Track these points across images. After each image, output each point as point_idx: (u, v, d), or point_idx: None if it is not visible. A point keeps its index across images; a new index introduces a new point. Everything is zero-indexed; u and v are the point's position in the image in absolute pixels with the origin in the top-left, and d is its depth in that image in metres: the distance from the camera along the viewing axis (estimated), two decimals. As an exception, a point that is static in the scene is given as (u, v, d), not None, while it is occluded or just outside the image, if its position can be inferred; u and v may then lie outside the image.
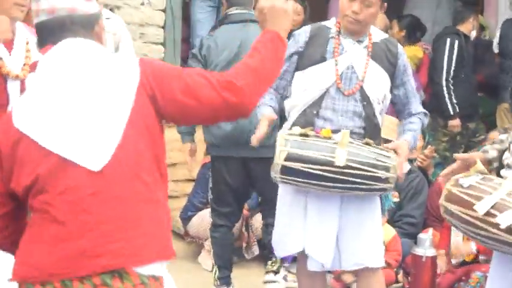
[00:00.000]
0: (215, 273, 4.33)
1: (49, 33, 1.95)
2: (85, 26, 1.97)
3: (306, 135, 3.08)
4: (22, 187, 1.89)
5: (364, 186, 3.07)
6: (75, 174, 1.84)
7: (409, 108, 3.39)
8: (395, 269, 4.56)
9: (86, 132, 1.87)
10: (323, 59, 3.22)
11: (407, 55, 6.11)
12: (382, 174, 3.05)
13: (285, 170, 3.03)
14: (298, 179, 3.05)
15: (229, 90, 1.96)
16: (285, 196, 3.31)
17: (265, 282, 4.59)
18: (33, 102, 1.91)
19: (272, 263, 4.59)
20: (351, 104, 3.20)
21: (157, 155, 1.96)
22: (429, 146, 5.35)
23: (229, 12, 4.26)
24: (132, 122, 1.88)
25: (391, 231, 4.57)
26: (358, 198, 3.21)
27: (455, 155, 2.93)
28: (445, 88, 5.62)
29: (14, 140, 1.89)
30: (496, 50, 6.17)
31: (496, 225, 2.48)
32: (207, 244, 4.83)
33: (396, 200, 4.83)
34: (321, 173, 3.01)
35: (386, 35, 3.40)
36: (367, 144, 3.12)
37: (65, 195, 1.84)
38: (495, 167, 2.82)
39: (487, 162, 2.80)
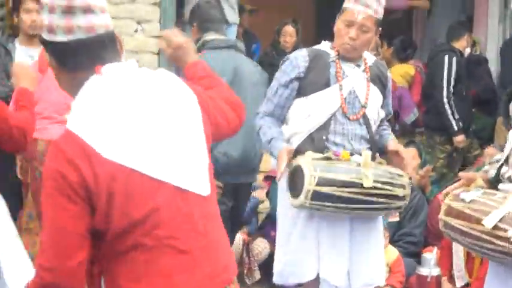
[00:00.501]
0: None
1: (87, 52, 1.80)
2: (114, 43, 1.86)
3: (330, 159, 3.09)
4: (129, 222, 1.76)
5: (384, 206, 3.13)
6: (189, 202, 1.84)
7: (383, 122, 3.44)
8: (399, 291, 4.52)
9: (187, 158, 1.84)
10: (327, 85, 3.20)
11: (399, 72, 6.27)
12: (400, 192, 3.13)
13: (316, 195, 3.00)
14: (328, 203, 3.03)
15: (242, 111, 2.15)
16: (295, 223, 3.24)
17: None
18: (118, 130, 1.76)
19: None
20: (357, 127, 3.22)
21: None
22: (426, 166, 5.33)
23: (208, 38, 4.21)
24: (206, 142, 1.95)
25: (394, 252, 4.53)
26: (365, 220, 3.24)
27: (461, 174, 2.93)
28: (447, 105, 5.64)
29: (110, 173, 1.72)
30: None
31: (505, 239, 2.50)
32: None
33: (396, 219, 4.80)
34: (350, 195, 3.02)
35: (375, 58, 3.44)
36: (380, 163, 3.21)
37: (185, 225, 1.82)
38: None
39: (488, 182, 2.84)
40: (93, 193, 1.72)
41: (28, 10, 4.46)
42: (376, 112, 3.29)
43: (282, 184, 3.19)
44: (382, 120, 3.40)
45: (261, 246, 4.93)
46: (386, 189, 3.07)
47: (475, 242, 2.60)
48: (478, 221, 2.57)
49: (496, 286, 2.72)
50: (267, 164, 5.17)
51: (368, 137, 3.24)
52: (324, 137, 3.16)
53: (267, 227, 5.08)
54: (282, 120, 3.28)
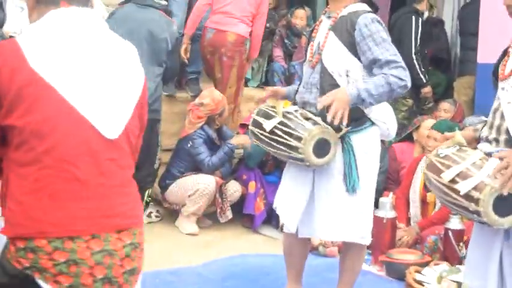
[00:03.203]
0: None
1: None
2: None
3: (274, 107, 3.31)
4: (29, 130, 1.79)
5: (285, 154, 3.18)
6: (93, 138, 1.85)
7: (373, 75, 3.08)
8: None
9: (106, 99, 1.87)
10: (309, 41, 3.36)
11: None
12: (293, 143, 3.09)
13: (250, 132, 3.44)
14: (253, 139, 3.44)
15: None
16: None
17: None
18: (53, 51, 1.82)
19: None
20: (312, 76, 3.22)
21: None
22: None
23: None
24: (137, 104, 1.98)
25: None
26: (325, 174, 3.17)
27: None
28: (415, 61, 5.83)
29: (26, 79, 1.78)
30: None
31: (457, 192, 2.51)
32: (184, 210, 4.85)
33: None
34: (258, 135, 3.33)
35: (359, 9, 3.16)
36: (306, 118, 3.15)
37: (88, 158, 1.83)
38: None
39: (472, 138, 2.80)
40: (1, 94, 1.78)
41: None
42: (337, 63, 3.13)
43: None
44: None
45: (233, 188, 5.00)
46: (283, 138, 3.13)
47: (441, 194, 2.63)
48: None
49: (480, 242, 2.67)
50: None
51: (318, 86, 3.17)
52: (297, 88, 3.34)
53: (240, 171, 5.15)
54: None
